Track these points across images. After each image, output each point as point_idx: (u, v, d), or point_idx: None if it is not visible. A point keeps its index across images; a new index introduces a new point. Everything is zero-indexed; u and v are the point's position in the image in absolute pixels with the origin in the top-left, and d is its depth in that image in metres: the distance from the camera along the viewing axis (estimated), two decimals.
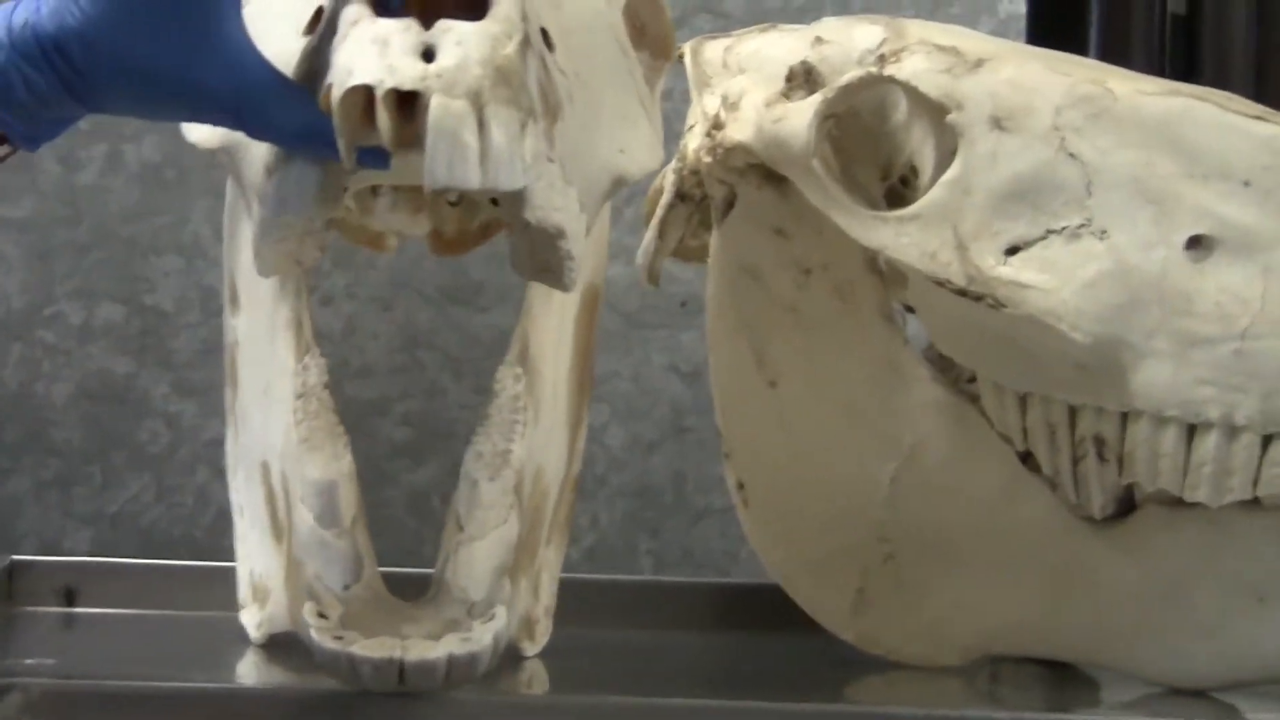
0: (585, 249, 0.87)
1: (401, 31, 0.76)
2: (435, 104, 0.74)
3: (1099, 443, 0.93)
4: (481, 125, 0.75)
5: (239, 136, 0.86)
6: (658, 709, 0.86)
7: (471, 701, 0.83)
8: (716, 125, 0.98)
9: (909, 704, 0.93)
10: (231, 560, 1.05)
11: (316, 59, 0.81)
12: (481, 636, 0.80)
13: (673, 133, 1.03)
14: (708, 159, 0.98)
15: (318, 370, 0.92)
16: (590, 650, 1.06)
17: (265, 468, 0.96)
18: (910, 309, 1.00)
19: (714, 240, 1.02)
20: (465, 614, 0.83)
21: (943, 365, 0.99)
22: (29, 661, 0.96)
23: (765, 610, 1.12)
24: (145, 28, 0.78)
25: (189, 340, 1.33)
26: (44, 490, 1.32)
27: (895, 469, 0.99)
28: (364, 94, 0.74)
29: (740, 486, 1.04)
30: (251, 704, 0.85)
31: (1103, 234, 0.90)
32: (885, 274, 0.99)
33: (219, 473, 1.31)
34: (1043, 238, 0.90)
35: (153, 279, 1.33)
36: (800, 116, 0.93)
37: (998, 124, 0.91)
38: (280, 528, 0.95)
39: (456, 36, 0.76)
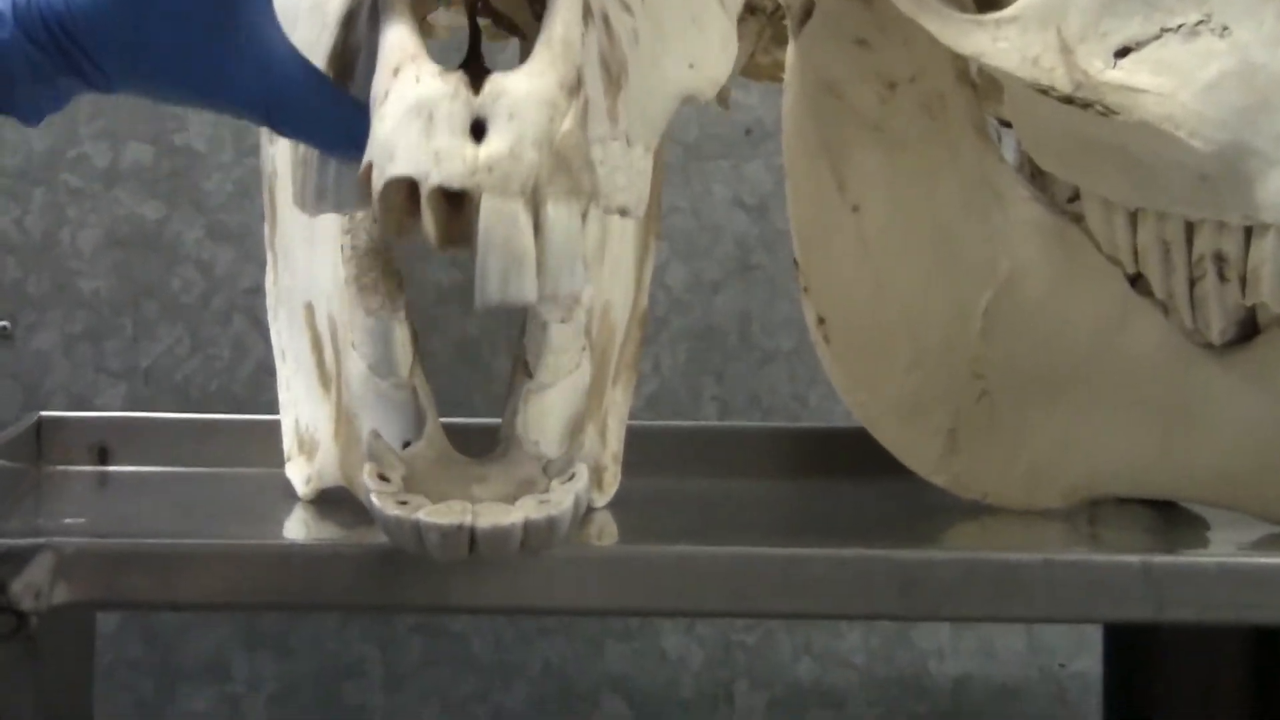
0: (647, 188, 0.81)
1: (449, 99, 0.66)
2: (486, 208, 0.66)
3: (1219, 260, 0.87)
4: (538, 224, 0.67)
5: None
6: (747, 558, 0.80)
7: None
8: None
9: (1008, 549, 0.87)
10: (272, 414, 1.00)
11: (350, 43, 0.75)
12: (561, 499, 0.73)
13: None
14: None
15: None
16: (659, 500, 1.01)
17: (310, 309, 0.90)
18: (1006, 123, 0.95)
19: (789, 54, 0.96)
20: (540, 472, 0.77)
21: (1041, 184, 0.93)
22: (64, 522, 0.91)
23: (845, 456, 1.08)
24: (162, 14, 0.70)
25: (222, 181, 1.29)
26: (73, 344, 1.29)
27: (991, 298, 0.93)
28: (407, 183, 0.66)
29: (820, 322, 0.98)
30: (303, 562, 0.79)
31: (1224, 31, 0.83)
32: (978, 85, 0.93)
33: (256, 322, 1.27)
34: (1157, 37, 0.84)
35: (182, 117, 1.29)
36: None
37: None
38: (328, 375, 0.89)
39: (509, 106, 0.67)
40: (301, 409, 0.94)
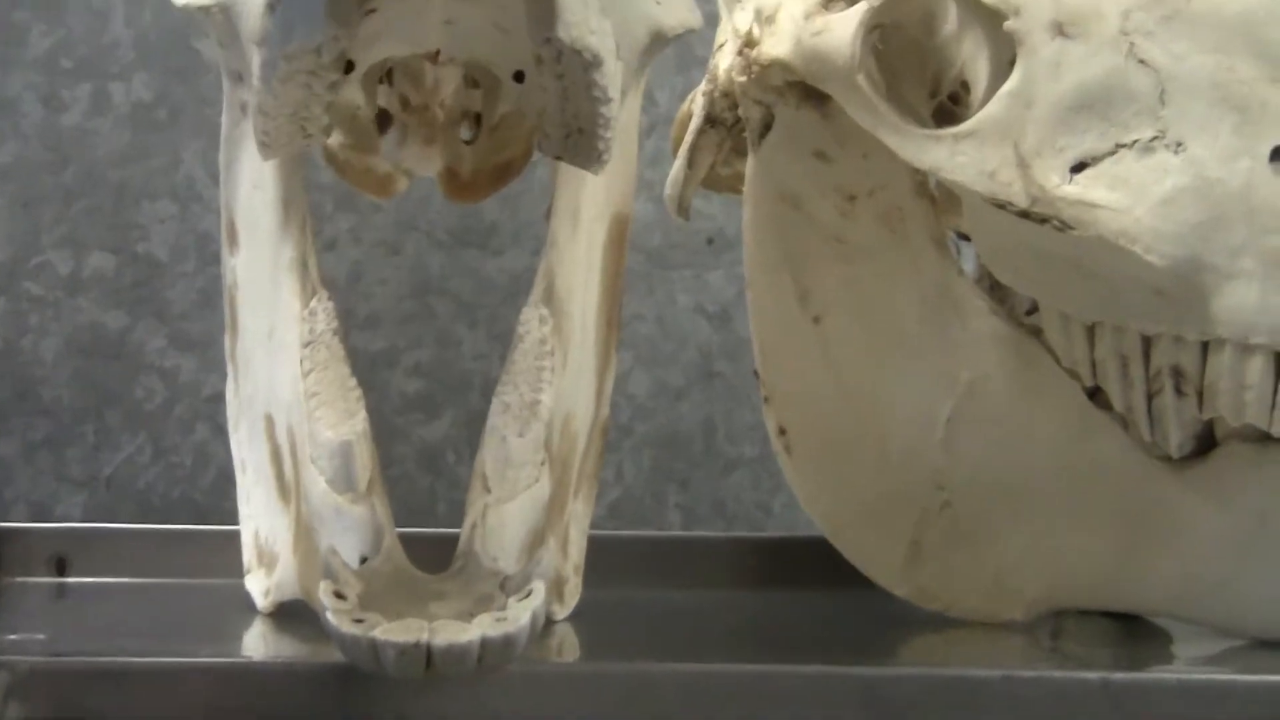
0: (618, 94, 0.80)
1: None
2: None
3: (1177, 375, 0.86)
4: None
5: None
6: (708, 675, 0.79)
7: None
8: (750, 42, 0.93)
9: (970, 664, 0.87)
10: (234, 524, 0.99)
11: None
12: (518, 615, 0.73)
13: (696, 59, 0.97)
14: (741, 78, 0.93)
15: (326, 315, 0.86)
16: (621, 611, 1.00)
17: (270, 421, 0.90)
18: (965, 236, 0.94)
19: (749, 167, 0.96)
20: (498, 589, 0.76)
21: (1000, 296, 0.93)
22: (13, 637, 0.90)
23: (807, 566, 1.07)
24: None
25: (185, 290, 1.27)
26: (33, 452, 1.27)
27: (951, 409, 0.93)
28: None
29: (782, 432, 0.97)
30: (260, 678, 0.78)
31: (1179, 146, 0.83)
32: (937, 198, 0.94)
33: (219, 431, 1.25)
34: (1112, 152, 0.84)
35: (145, 226, 1.27)
36: (843, 28, 0.88)
37: (1060, 29, 0.85)
38: (287, 487, 0.88)
39: None
40: (261, 521, 0.93)
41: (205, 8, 0.88)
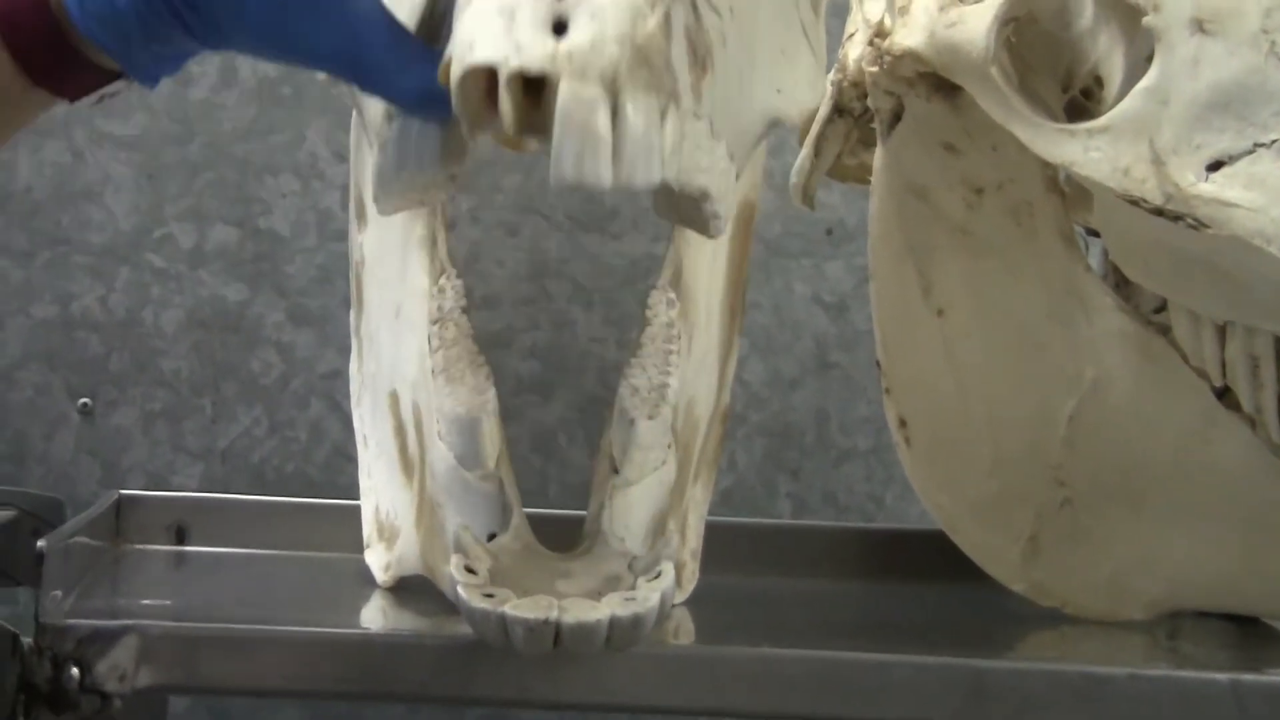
0: (732, 197, 0.79)
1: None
2: (565, 90, 0.64)
3: None
4: (616, 114, 0.65)
5: None
6: (828, 662, 0.79)
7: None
8: (881, 33, 0.92)
9: (1091, 661, 0.85)
10: (346, 498, 1.00)
11: (438, 8, 0.75)
12: (647, 597, 0.73)
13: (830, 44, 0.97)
14: (873, 68, 0.92)
15: (455, 293, 0.86)
16: (732, 598, 1.00)
17: (394, 397, 0.90)
18: (1093, 232, 0.93)
19: (878, 158, 0.95)
20: (626, 569, 0.76)
21: (1127, 294, 0.92)
22: (144, 603, 0.91)
23: (920, 558, 1.07)
24: None
25: (305, 266, 1.28)
26: (152, 423, 1.28)
27: (1075, 406, 0.92)
28: (486, 74, 0.65)
29: (902, 424, 0.97)
30: (387, 650, 0.79)
31: None
32: (1066, 193, 0.93)
33: (334, 406, 1.26)
34: (1250, 152, 0.82)
35: (267, 200, 1.28)
36: (978, 20, 0.87)
37: (1200, 26, 0.83)
38: (410, 463, 0.89)
39: (591, 7, 0.66)
40: (383, 496, 0.94)
41: None
